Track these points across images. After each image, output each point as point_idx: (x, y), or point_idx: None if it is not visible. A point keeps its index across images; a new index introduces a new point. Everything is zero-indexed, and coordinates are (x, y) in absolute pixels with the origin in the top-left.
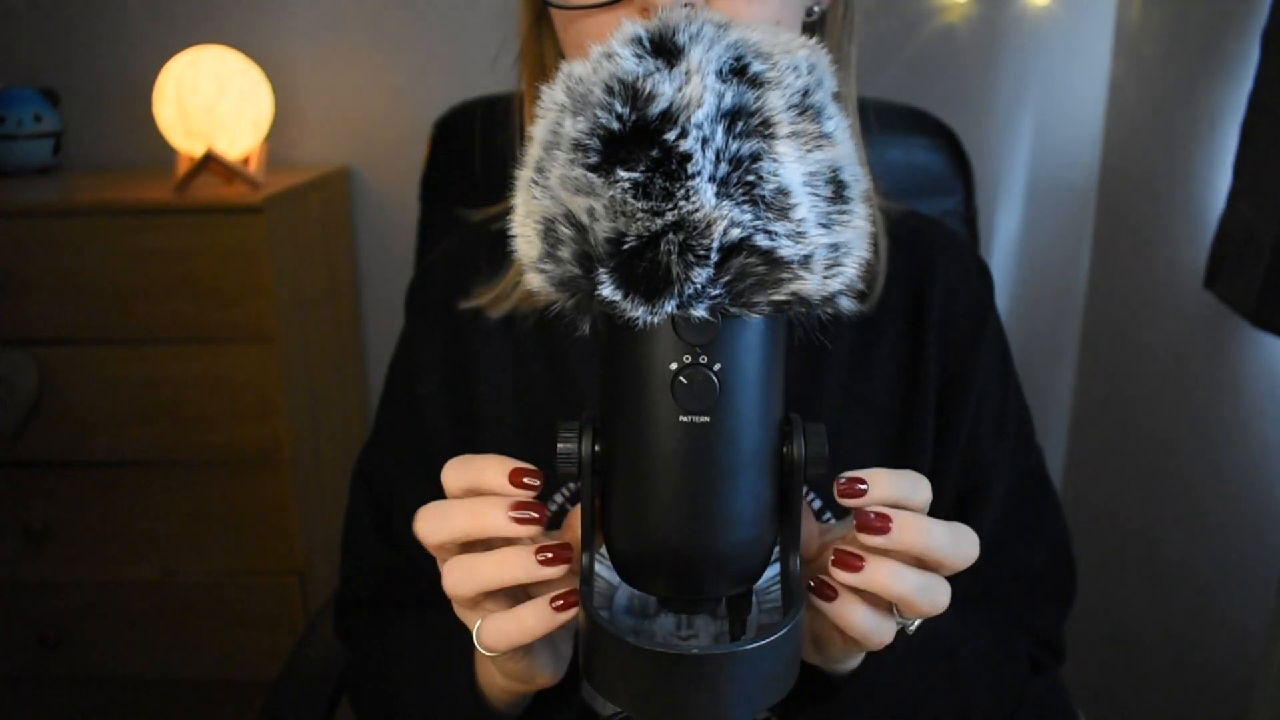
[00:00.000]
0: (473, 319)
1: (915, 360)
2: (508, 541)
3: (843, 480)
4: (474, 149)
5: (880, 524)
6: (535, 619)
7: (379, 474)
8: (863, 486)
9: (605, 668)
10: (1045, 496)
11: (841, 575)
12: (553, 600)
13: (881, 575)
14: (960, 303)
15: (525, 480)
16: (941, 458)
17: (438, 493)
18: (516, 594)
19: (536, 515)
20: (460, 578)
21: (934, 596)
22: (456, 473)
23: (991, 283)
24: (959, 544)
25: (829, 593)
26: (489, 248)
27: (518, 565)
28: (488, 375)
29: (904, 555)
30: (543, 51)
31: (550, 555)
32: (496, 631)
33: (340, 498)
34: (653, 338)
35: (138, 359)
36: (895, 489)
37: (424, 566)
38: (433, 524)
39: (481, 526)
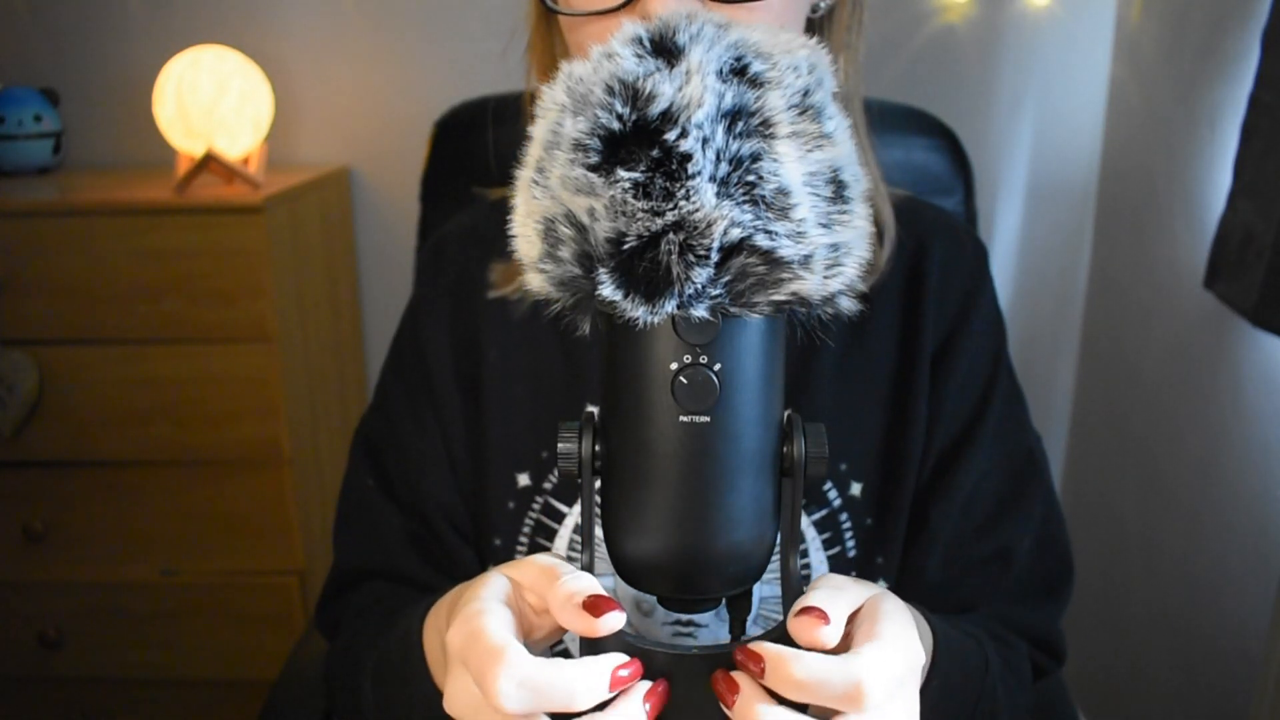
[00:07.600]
0: (482, 291)
1: (911, 333)
2: None
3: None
4: (481, 147)
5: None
6: None
7: (384, 438)
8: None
9: None
10: (1037, 480)
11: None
12: None
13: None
14: (955, 275)
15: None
16: (932, 424)
17: (448, 450)
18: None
19: None
20: None
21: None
22: (524, 689)
23: (986, 256)
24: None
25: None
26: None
27: None
28: (497, 348)
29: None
30: (553, 46)
31: None
32: None
33: None
34: (653, 338)
35: (138, 359)
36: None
37: (437, 527)
38: None
39: None
